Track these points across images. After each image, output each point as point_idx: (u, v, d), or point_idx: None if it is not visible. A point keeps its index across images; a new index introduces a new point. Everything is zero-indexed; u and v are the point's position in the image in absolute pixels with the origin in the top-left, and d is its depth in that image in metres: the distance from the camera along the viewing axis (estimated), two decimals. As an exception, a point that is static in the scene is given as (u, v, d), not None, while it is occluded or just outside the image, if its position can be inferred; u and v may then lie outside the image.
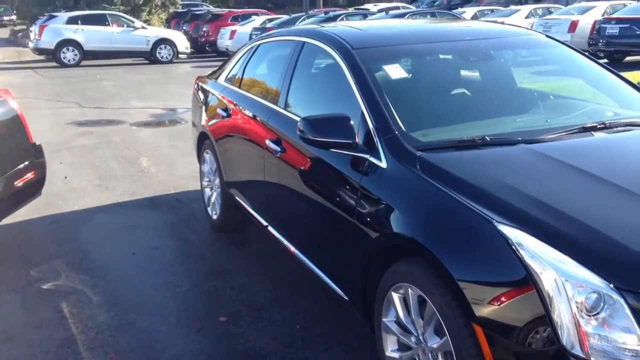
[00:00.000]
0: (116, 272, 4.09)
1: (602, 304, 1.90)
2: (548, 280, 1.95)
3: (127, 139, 8.08)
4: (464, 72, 3.45)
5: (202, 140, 4.94)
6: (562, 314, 1.92)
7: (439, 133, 2.86)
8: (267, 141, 3.58)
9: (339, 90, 3.19)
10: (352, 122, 2.81)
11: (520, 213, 2.18)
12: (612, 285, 1.90)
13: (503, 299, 2.05)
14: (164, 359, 3.10)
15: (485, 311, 2.08)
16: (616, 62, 14.05)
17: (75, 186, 6.03)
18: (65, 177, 6.30)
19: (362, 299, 2.81)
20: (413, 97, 3.15)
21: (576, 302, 1.90)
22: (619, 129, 2.88)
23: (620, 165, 2.52)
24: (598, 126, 2.85)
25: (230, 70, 4.75)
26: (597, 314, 1.90)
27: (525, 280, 1.99)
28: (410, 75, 3.23)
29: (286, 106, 3.59)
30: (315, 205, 3.13)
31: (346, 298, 2.96)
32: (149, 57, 19.47)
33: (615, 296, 1.89)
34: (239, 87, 4.42)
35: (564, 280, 1.93)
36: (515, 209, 2.20)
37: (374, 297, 2.70)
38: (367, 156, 2.76)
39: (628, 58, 14.67)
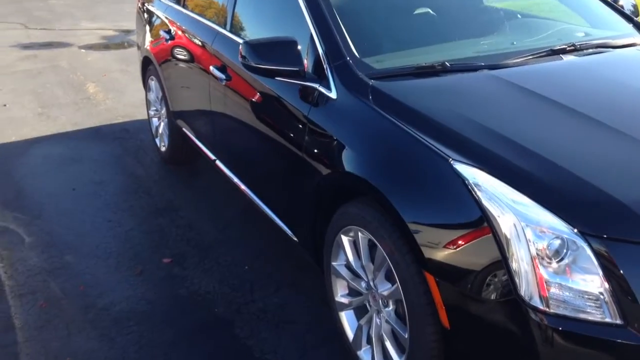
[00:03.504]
0: (53, 210, 3.81)
1: (565, 250, 1.71)
2: (506, 225, 1.74)
3: (74, 63, 7.56)
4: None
5: (147, 66, 4.57)
6: (521, 262, 1.72)
7: (395, 59, 2.58)
8: (211, 67, 3.25)
9: (287, 9, 2.86)
10: (299, 47, 2.51)
11: (479, 149, 1.95)
12: (576, 230, 1.71)
13: (457, 244, 1.84)
14: (98, 306, 2.87)
15: (437, 258, 1.88)
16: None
17: (14, 115, 5.62)
18: (5, 105, 5.86)
19: (312, 240, 2.61)
20: (368, 17, 2.83)
21: (537, 248, 1.71)
22: (590, 51, 2.64)
23: (590, 94, 2.29)
24: (567, 48, 2.60)
25: (175, -12, 4.32)
26: (559, 261, 1.71)
27: (481, 223, 1.79)
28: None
29: (232, 28, 3.25)
30: (263, 139, 2.87)
31: (295, 239, 2.76)
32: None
33: (580, 242, 1.70)
34: (183, 5, 4.02)
35: (524, 225, 1.72)
36: (475, 145, 1.97)
37: (324, 238, 2.49)
38: (315, 85, 2.48)
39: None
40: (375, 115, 2.21)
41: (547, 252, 1.70)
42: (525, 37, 2.84)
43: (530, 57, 2.51)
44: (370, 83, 2.32)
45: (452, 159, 1.90)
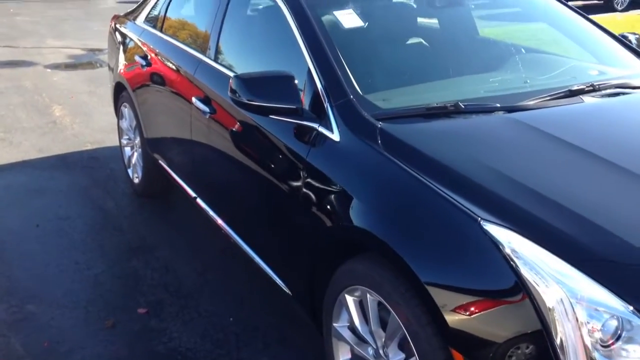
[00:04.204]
0: (14, 250, 3.46)
1: (620, 332, 1.49)
2: (551, 300, 1.51)
3: (39, 84, 7.19)
4: (429, 21, 2.93)
5: (119, 92, 4.27)
6: (569, 344, 1.49)
7: (401, 96, 2.36)
8: (194, 99, 2.98)
9: (280, 40, 2.63)
10: (296, 82, 2.27)
11: (510, 207, 1.72)
12: (631, 308, 1.49)
13: (489, 315, 1.61)
14: (66, 366, 2.56)
15: (465, 330, 1.64)
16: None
17: (-27, 140, 5.25)
18: (-37, 130, 5.49)
19: (309, 296, 2.34)
20: (369, 51, 2.61)
21: (589, 330, 1.48)
22: (608, 92, 2.46)
23: (625, 143, 2.08)
24: (586, 89, 2.41)
25: (151, 10, 4.05)
26: (614, 343, 1.49)
27: (518, 293, 1.55)
28: (367, 24, 2.67)
29: (217, 57, 2.99)
30: (253, 181, 2.61)
31: (289, 292, 2.49)
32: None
33: (636, 321, 1.48)
34: (161, 30, 3.75)
35: (573, 302, 1.49)
36: (504, 201, 1.74)
37: (323, 294, 2.23)
38: (315, 125, 2.23)
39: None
40: (386, 162, 1.97)
41: (602, 334, 1.47)
42: (537, 74, 2.64)
43: (548, 98, 2.31)
44: (379, 125, 2.08)
45: (482, 219, 1.67)
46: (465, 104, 2.20)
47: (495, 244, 1.61)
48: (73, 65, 8.32)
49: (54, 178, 4.48)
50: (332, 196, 2.09)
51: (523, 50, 2.98)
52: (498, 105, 2.23)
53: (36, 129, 5.58)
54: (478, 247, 1.65)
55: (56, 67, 8.14)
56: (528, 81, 2.53)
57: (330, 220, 2.09)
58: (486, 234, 1.63)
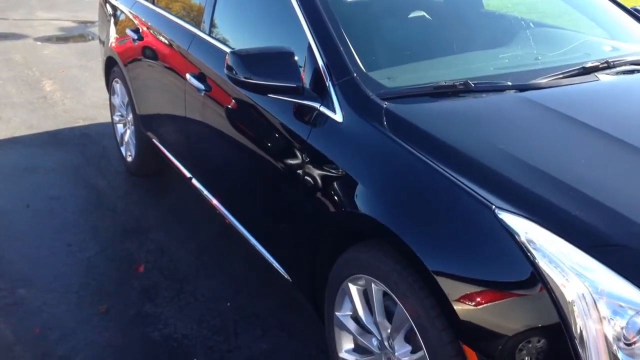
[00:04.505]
0: (3, 232, 3.35)
1: (643, 329, 1.40)
2: (572, 295, 1.42)
3: (29, 57, 7.00)
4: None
5: (111, 67, 4.12)
6: (589, 339, 1.40)
7: (407, 74, 2.24)
8: (188, 76, 2.85)
9: (278, 13, 2.49)
10: (296, 59, 2.15)
11: (526, 194, 1.61)
12: (657, 303, 1.40)
13: (504, 309, 1.52)
14: (58, 353, 2.46)
15: (477, 324, 1.55)
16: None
17: (-39, 117, 5.10)
18: (-50, 105, 5.34)
19: (309, 282, 2.25)
20: (371, 25, 2.47)
21: (613, 327, 1.39)
22: (623, 68, 2.34)
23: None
24: (600, 66, 2.29)
25: (143, -19, 3.88)
26: (638, 341, 1.40)
27: (535, 284, 1.46)
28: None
29: (211, 31, 2.85)
30: (250, 163, 2.50)
31: (288, 278, 2.39)
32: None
33: (661, 318, 1.39)
34: (153, 2, 3.60)
35: (596, 298, 1.40)
36: (520, 187, 1.63)
37: (325, 281, 2.14)
38: (316, 105, 2.12)
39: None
40: (393, 145, 1.86)
41: (625, 332, 1.38)
42: (548, 50, 2.52)
43: (561, 75, 2.20)
44: (384, 106, 1.97)
45: (496, 207, 1.56)
46: (475, 82, 2.08)
47: (510, 234, 1.51)
48: (64, 38, 8.12)
49: (45, 156, 4.36)
50: (335, 180, 1.98)
51: (532, 25, 2.84)
52: (509, 83, 2.11)
53: (26, 104, 5.42)
54: (492, 236, 1.55)
55: (47, 40, 7.94)
56: (539, 58, 2.41)
57: (333, 206, 1.98)
58: (501, 223, 1.53)
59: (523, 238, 1.49)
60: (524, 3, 3.36)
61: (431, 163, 1.74)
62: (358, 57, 2.15)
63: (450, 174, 1.69)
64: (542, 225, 1.51)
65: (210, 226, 3.38)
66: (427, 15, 2.67)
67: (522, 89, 2.10)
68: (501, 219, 1.54)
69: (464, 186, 1.64)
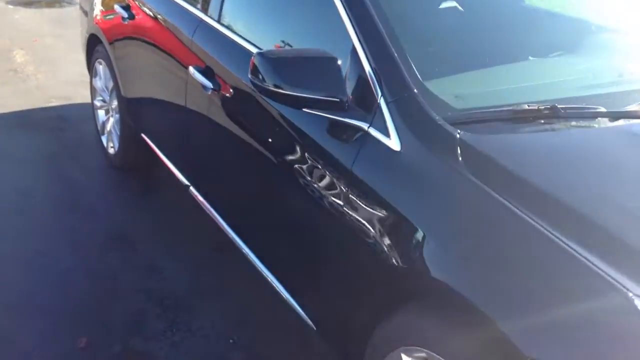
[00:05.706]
0: (-36, 238, 2.88)
1: None
2: None
3: (-2, 22, 6.41)
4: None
5: (94, 45, 3.61)
6: None
7: (476, 90, 1.83)
8: (191, 69, 2.39)
9: (311, 6, 2.04)
10: (339, 64, 1.72)
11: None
12: None
13: None
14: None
15: None
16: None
17: None
18: None
19: (342, 339, 1.86)
20: (427, 29, 2.04)
21: None
22: None
23: None
24: None
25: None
26: None
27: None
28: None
29: (221, 18, 2.39)
30: (269, 181, 2.08)
31: (312, 325, 1.99)
32: None
33: None
34: (147, -26, 3.09)
35: None
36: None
37: (364, 342, 1.74)
38: (363, 125, 1.70)
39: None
40: (476, 190, 1.45)
41: None
42: (629, 62, 2.12)
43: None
44: (458, 135, 1.55)
45: (633, 294, 1.18)
46: (563, 106, 1.68)
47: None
48: (38, 1, 7.47)
49: (13, 141, 3.85)
50: (390, 226, 1.57)
51: (595, 28, 2.45)
52: (603, 109, 1.72)
53: (-7, 78, 4.88)
54: (626, 332, 1.17)
55: (18, 2, 7.29)
56: (622, 76, 2.01)
57: (385, 257, 1.58)
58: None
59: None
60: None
61: (538, 225, 1.33)
62: (417, 67, 1.73)
63: (565, 243, 1.28)
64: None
65: (209, 236, 2.92)
66: (494, 15, 2.23)
67: (617, 117, 1.71)
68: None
69: (586, 261, 1.24)
